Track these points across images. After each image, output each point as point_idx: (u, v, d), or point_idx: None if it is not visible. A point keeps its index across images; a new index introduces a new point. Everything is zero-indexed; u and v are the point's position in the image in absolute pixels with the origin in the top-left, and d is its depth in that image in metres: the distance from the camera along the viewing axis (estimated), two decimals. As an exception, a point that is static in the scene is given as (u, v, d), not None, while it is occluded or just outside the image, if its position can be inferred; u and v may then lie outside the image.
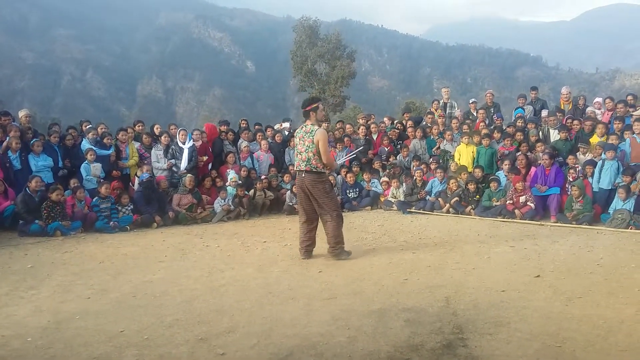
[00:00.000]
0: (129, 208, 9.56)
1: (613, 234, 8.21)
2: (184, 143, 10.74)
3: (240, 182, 10.77)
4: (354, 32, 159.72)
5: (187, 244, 7.93)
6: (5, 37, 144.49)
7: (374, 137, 12.72)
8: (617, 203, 8.91)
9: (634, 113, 10.48)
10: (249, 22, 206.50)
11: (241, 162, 11.64)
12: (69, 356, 3.76)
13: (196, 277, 5.91)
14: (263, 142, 11.98)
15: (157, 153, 10.73)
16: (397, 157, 12.11)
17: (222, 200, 10.38)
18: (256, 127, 13.26)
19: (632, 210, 8.61)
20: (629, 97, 11.67)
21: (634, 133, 9.60)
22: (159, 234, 8.94)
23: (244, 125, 12.89)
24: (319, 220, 6.69)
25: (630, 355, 3.58)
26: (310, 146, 6.38)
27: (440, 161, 11.53)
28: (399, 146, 12.50)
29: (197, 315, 4.56)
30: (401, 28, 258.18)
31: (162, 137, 10.88)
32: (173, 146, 10.74)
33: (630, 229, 8.33)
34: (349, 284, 5.46)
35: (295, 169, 6.89)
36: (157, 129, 11.81)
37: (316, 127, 6.46)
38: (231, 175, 10.84)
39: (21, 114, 10.52)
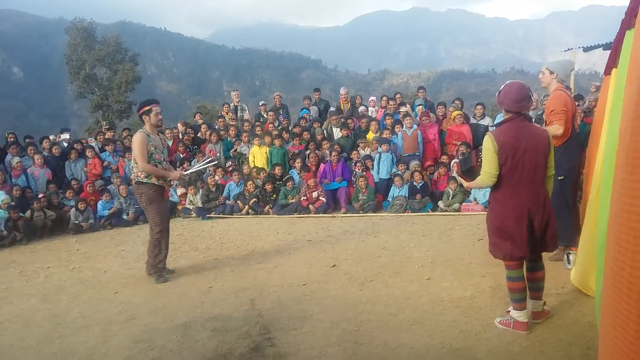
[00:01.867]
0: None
1: (394, 218, 9.14)
2: None
3: (13, 203, 9.44)
4: (135, 34, 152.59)
5: (-53, 283, 6.68)
6: None
7: (169, 143, 12.23)
8: (394, 190, 9.95)
9: (401, 110, 11.80)
10: (14, 24, 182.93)
11: (13, 180, 10.21)
12: None
13: (-38, 320, 5.01)
14: (36, 156, 10.64)
15: None
16: (192, 163, 11.83)
17: (-9, 226, 8.99)
18: (27, 140, 11.77)
19: (407, 195, 9.70)
20: (398, 95, 13.11)
21: (403, 127, 10.81)
22: None
23: (12, 139, 11.33)
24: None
25: (418, 328, 4.00)
26: (133, 154, 5.80)
27: (236, 163, 11.59)
28: (194, 151, 12.23)
29: (-35, 366, 3.86)
30: (185, 31, 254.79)
31: None
32: None
33: (407, 212, 9.39)
34: (149, 301, 5.15)
35: None
36: None
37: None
38: (1, 197, 9.45)
39: None
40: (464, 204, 9.26)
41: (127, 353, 3.94)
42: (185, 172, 6.42)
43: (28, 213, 9.46)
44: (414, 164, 10.20)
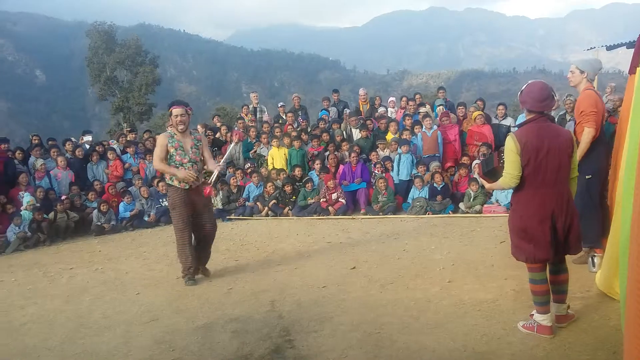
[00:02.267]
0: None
1: (414, 220, 9.08)
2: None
3: (37, 204, 9.61)
4: (154, 37, 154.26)
5: (-26, 283, 6.81)
6: None
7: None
8: (414, 192, 9.89)
9: (421, 110, 11.73)
10: (36, 28, 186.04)
11: (36, 182, 10.39)
12: None
13: (-12, 319, 5.11)
14: (60, 158, 10.81)
15: None
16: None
17: (17, 227, 9.16)
18: (50, 142, 11.96)
19: (427, 197, 9.63)
20: (417, 96, 13.04)
21: (423, 128, 10.74)
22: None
23: (36, 141, 11.52)
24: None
25: (440, 331, 3.96)
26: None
27: (255, 165, 11.64)
28: (215, 153, 12.30)
29: (-8, 365, 3.93)
30: (204, 33, 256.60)
31: None
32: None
33: (428, 214, 9.32)
34: (171, 303, 5.19)
35: None
36: None
37: None
38: (27, 198, 9.61)
39: None
40: (485, 205, 9.16)
41: (149, 354, 3.97)
42: (220, 163, 6.30)
43: (51, 215, 9.62)
44: (434, 165, 10.13)
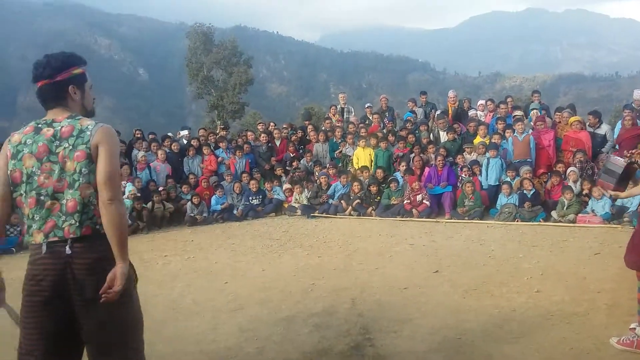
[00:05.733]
0: (17, 229, 8.78)
1: (501, 227, 8.79)
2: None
3: (139, 194, 10.29)
4: (249, 38, 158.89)
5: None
6: None
7: (277, 143, 12.70)
8: (502, 198, 9.57)
9: (516, 113, 11.32)
10: (139, 29, 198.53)
11: (137, 173, 11.13)
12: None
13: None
14: (160, 151, 11.52)
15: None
16: (301, 162, 12.17)
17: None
18: (150, 136, 12.77)
19: (517, 204, 9.29)
20: (509, 99, 12.59)
21: (515, 132, 10.37)
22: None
23: (138, 135, 12.35)
24: None
25: (525, 342, 3.84)
26: None
27: (341, 165, 11.76)
28: (301, 151, 12.60)
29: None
30: (296, 35, 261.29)
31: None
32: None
33: (517, 221, 8.98)
34: (255, 294, 5.39)
35: None
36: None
37: None
38: (129, 187, 10.33)
39: None
40: (580, 215, 8.68)
41: (234, 341, 4.16)
42: None
43: (149, 204, 10.27)
44: (524, 170, 9.72)
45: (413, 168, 10.78)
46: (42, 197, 2.33)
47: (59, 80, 2.44)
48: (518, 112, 11.37)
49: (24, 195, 2.36)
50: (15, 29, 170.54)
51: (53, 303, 2.30)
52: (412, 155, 11.11)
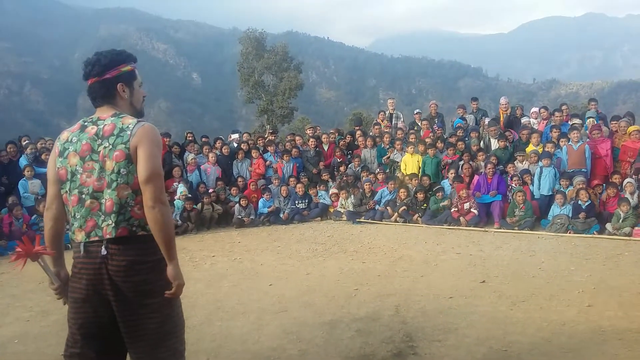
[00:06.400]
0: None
1: (553, 238, 8.53)
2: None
3: (190, 195, 10.57)
4: (300, 44, 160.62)
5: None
6: None
7: (325, 147, 12.78)
8: (555, 209, 9.29)
9: (574, 121, 10.97)
10: (193, 34, 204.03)
11: (188, 175, 11.43)
12: (6, 384, 3.56)
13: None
14: (210, 154, 11.81)
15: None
16: (349, 167, 12.20)
17: (169, 215, 10.13)
18: (203, 139, 13.09)
19: (570, 215, 8.99)
20: (564, 107, 12.22)
21: (569, 141, 10.05)
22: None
23: (190, 138, 12.69)
24: None
25: (574, 357, 3.72)
26: None
27: (388, 171, 11.71)
28: (349, 156, 12.63)
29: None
30: (347, 40, 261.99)
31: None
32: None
33: (569, 233, 8.70)
34: (300, 296, 5.44)
35: None
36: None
37: None
38: (181, 189, 10.62)
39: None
40: (636, 228, 8.32)
41: (277, 342, 4.21)
42: None
43: (199, 205, 10.52)
44: (578, 180, 9.40)
45: (462, 175, 10.62)
46: (83, 196, 2.37)
47: (108, 77, 2.46)
48: (577, 120, 11.02)
49: (69, 193, 2.41)
50: (79, 35, 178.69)
51: (92, 301, 2.36)
52: (462, 162, 10.94)
